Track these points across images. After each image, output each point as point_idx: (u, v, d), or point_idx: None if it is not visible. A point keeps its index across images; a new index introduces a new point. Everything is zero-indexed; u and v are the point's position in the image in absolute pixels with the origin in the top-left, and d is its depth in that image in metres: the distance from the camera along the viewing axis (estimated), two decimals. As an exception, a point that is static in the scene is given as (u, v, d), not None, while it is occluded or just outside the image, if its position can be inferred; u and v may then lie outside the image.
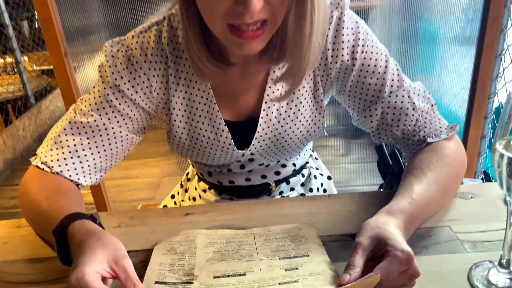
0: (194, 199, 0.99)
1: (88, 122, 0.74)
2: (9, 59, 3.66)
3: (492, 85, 1.63)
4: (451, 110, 1.78)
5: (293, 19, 0.62)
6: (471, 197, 0.73)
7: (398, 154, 0.90)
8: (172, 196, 1.08)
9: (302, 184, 0.98)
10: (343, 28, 0.73)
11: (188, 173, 1.06)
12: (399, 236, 0.55)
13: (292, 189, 0.95)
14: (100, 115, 0.75)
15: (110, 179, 1.97)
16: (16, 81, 3.46)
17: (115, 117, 0.76)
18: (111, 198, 1.88)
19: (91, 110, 0.75)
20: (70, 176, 0.75)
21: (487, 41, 1.51)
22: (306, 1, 0.59)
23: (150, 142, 1.76)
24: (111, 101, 0.74)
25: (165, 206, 1.07)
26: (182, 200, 1.04)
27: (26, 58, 3.69)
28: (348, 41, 0.74)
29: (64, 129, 0.75)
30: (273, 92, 0.77)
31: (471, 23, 1.57)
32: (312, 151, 1.06)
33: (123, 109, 0.75)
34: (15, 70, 3.59)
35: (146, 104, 0.77)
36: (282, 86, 0.77)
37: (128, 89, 0.74)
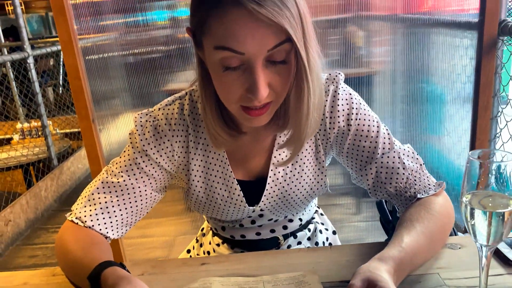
0: (208, 253, 1.07)
1: (118, 182, 0.85)
2: (34, 123, 3.90)
3: (490, 145, 1.71)
4: (454, 168, 1.86)
5: (293, 100, 0.74)
6: (459, 248, 0.81)
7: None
8: (188, 251, 1.16)
9: (309, 238, 1.05)
10: (338, 99, 0.85)
11: (203, 228, 1.15)
12: (388, 279, 0.63)
13: (299, 243, 1.03)
14: (129, 176, 0.86)
15: (127, 238, 2.03)
16: (41, 143, 3.66)
17: (142, 177, 0.87)
18: (128, 256, 1.94)
19: (121, 172, 0.86)
20: (100, 230, 0.85)
21: (481, 106, 1.61)
22: (303, 88, 0.70)
23: (166, 202, 1.85)
24: (139, 163, 0.86)
25: (182, 259, 1.15)
26: (197, 254, 1.12)
27: (50, 122, 3.92)
28: (343, 110, 0.86)
29: (97, 188, 0.86)
30: (279, 154, 0.88)
31: (465, 88, 1.69)
32: (318, 207, 1.15)
33: (149, 170, 0.86)
34: (39, 133, 3.82)
35: (168, 166, 0.88)
36: (288, 150, 0.88)
37: (154, 153, 0.86)
